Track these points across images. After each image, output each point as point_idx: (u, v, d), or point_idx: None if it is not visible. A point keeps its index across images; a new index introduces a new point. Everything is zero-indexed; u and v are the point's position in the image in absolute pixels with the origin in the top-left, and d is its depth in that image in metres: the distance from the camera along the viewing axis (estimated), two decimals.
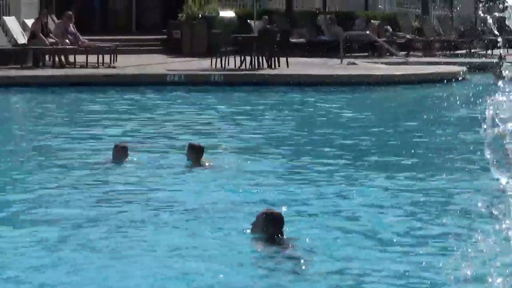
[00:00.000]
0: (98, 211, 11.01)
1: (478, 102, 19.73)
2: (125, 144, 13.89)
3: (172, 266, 8.75)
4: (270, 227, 9.63)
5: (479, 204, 11.00)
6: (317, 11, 36.49)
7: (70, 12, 28.66)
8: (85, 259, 9.03)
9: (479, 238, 9.40)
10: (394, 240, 9.86)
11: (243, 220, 10.16)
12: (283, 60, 27.57)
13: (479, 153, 12.59)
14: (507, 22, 7.84)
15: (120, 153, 13.48)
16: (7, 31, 27.45)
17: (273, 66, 27.50)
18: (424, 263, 8.77)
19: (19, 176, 13.59)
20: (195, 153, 13.30)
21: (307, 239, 9.69)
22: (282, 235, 9.77)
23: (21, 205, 11.54)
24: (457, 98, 22.87)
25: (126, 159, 13.48)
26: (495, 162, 8.41)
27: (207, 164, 13.39)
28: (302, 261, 9.41)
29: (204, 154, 13.57)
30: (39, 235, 9.89)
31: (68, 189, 12.26)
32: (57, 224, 10.30)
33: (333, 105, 23.46)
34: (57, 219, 10.61)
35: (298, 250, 9.81)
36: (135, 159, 13.84)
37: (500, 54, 28.94)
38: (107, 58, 27.49)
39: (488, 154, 9.11)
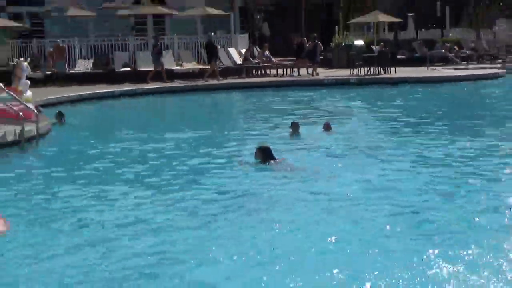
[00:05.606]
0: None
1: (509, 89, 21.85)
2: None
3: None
4: (264, 154, 10.51)
5: None
6: (413, 39, 37.12)
7: (266, 44, 31.47)
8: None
9: None
10: None
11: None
12: (392, 69, 29.27)
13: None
14: None
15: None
16: (230, 57, 30.00)
17: (387, 73, 28.98)
18: None
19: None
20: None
21: None
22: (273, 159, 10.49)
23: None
24: (500, 87, 24.92)
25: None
26: None
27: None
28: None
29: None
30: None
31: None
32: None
33: (425, 95, 23.74)
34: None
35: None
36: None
37: None
38: (289, 71, 29.57)
39: None
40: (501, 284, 5.65)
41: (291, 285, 5.82)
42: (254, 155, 10.87)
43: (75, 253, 6.86)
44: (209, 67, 28.44)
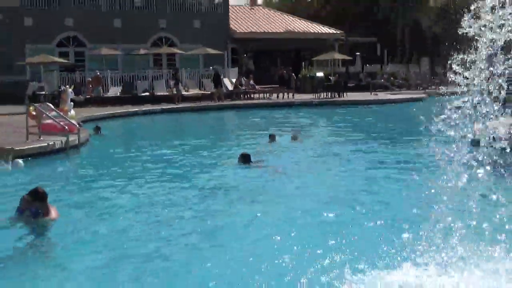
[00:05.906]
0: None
1: (430, 109, 22.03)
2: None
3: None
4: (244, 159, 10.47)
5: None
6: (360, 72, 37.39)
7: (251, 75, 31.13)
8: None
9: None
10: None
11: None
12: (345, 94, 29.40)
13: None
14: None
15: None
16: (224, 85, 29.01)
17: (340, 97, 29.00)
18: None
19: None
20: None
21: None
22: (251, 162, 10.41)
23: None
24: (423, 107, 20.93)
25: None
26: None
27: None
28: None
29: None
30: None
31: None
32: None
33: (369, 113, 24.16)
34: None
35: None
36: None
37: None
38: (268, 95, 29.41)
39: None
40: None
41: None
42: (237, 160, 10.79)
43: (111, 234, 6.73)
44: (209, 92, 28.04)
